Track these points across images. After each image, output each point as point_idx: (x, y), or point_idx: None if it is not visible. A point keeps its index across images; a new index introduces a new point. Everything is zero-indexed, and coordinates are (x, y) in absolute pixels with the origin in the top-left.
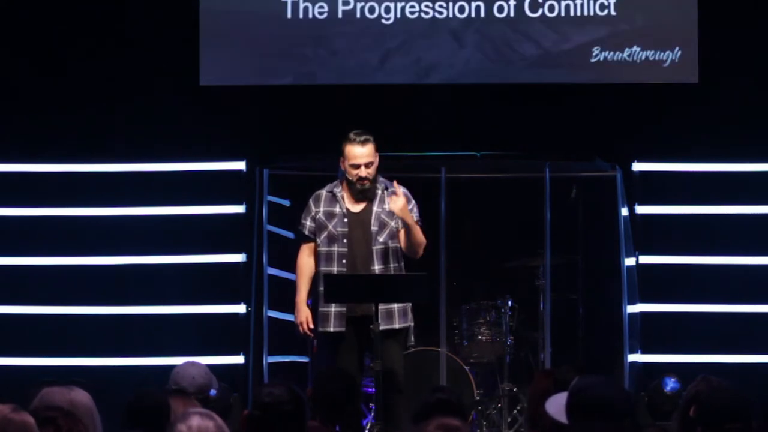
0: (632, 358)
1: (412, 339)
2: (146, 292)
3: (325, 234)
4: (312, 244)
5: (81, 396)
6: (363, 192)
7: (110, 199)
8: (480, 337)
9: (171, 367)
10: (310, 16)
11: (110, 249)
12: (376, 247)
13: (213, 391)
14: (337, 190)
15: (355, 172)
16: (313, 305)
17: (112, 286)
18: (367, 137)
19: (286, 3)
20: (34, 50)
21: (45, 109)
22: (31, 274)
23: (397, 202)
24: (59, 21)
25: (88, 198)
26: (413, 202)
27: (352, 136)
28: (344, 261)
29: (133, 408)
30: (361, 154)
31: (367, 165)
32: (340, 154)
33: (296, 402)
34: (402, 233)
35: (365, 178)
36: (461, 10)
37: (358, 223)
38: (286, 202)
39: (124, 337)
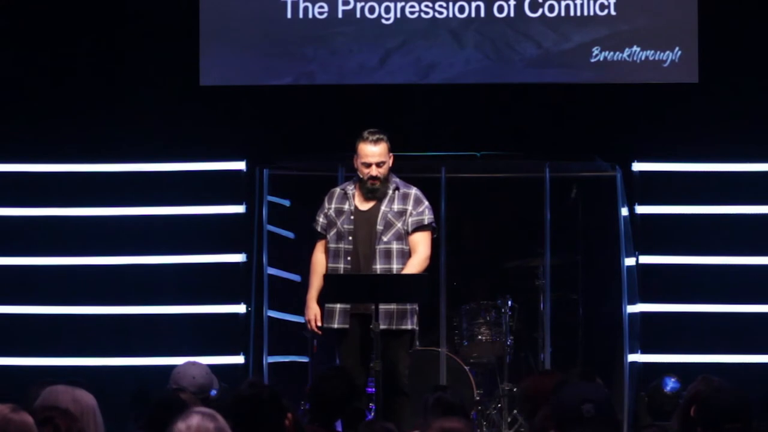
0: (632, 358)
1: (417, 343)
2: (146, 292)
3: (334, 231)
4: (324, 241)
5: (84, 395)
6: (372, 192)
7: (110, 199)
8: (480, 337)
9: (171, 367)
10: (310, 16)
11: (110, 249)
12: (380, 247)
13: (213, 391)
14: (350, 188)
15: (366, 170)
16: (320, 301)
17: (112, 286)
18: (381, 137)
19: (286, 3)
20: (35, 51)
21: (45, 110)
22: (31, 274)
23: None
24: (59, 21)
25: (88, 198)
26: (426, 203)
27: (365, 134)
28: (349, 258)
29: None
30: (372, 153)
31: (379, 164)
32: (346, 153)
33: (270, 389)
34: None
35: (376, 178)
36: (461, 10)
37: (365, 221)
38: (286, 202)
39: (124, 337)
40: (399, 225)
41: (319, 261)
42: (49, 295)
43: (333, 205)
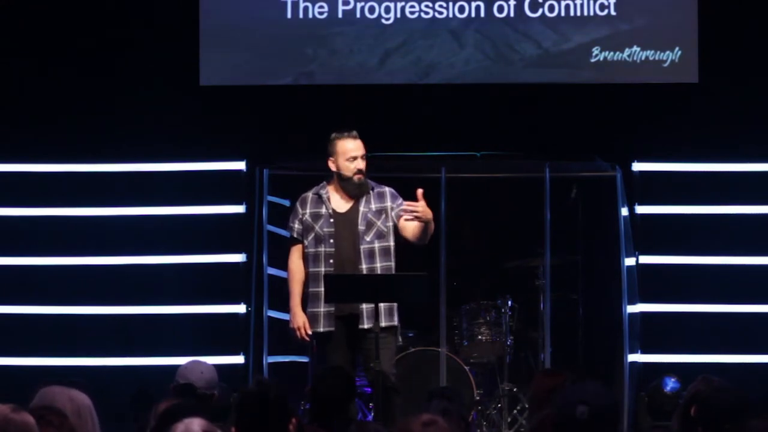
0: (632, 358)
1: (400, 339)
2: (146, 292)
3: (312, 235)
4: (301, 246)
5: (80, 395)
6: (360, 187)
7: (110, 199)
8: (480, 337)
9: (171, 367)
10: (310, 16)
11: (110, 249)
12: (363, 247)
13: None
14: (323, 192)
15: (352, 165)
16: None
17: (112, 286)
18: (355, 133)
19: (286, 3)
20: (34, 50)
21: (45, 109)
22: (31, 274)
23: (421, 209)
24: (59, 21)
25: (88, 198)
26: (400, 199)
27: (341, 132)
28: (331, 261)
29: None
30: (356, 146)
31: (363, 157)
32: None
33: (278, 388)
34: (417, 228)
35: (362, 171)
36: (461, 10)
37: (345, 223)
38: (286, 202)
39: (124, 337)
40: (380, 224)
41: (297, 268)
42: (49, 295)
43: (308, 210)
